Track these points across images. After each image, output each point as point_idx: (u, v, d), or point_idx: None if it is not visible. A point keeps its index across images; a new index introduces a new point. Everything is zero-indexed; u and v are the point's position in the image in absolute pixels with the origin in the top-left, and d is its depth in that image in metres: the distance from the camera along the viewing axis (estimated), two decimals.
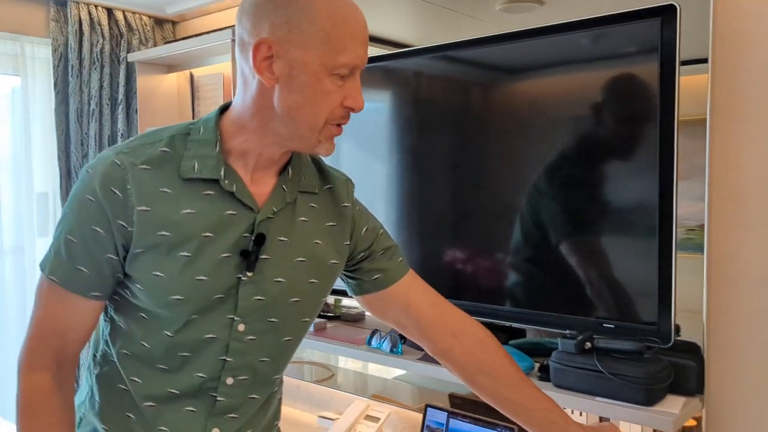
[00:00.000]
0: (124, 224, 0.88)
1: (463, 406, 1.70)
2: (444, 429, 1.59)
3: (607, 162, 1.32)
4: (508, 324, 1.54)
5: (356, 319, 1.88)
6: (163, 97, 2.46)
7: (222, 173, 0.92)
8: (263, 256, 0.95)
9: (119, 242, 0.89)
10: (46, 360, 0.92)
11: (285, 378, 2.13)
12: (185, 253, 0.90)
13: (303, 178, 1.01)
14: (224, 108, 0.97)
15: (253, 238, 0.93)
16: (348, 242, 1.05)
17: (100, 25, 2.39)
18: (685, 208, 1.29)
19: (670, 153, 1.23)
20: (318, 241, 1.00)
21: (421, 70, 1.60)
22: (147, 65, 2.42)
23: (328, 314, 1.92)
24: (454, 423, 1.58)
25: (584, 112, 1.34)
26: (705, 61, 1.26)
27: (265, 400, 1.02)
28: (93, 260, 0.90)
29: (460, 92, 1.54)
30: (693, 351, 1.29)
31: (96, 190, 0.88)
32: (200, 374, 0.94)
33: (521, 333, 1.57)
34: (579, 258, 1.36)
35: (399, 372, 1.89)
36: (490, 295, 1.49)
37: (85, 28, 2.35)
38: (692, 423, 1.32)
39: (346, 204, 1.05)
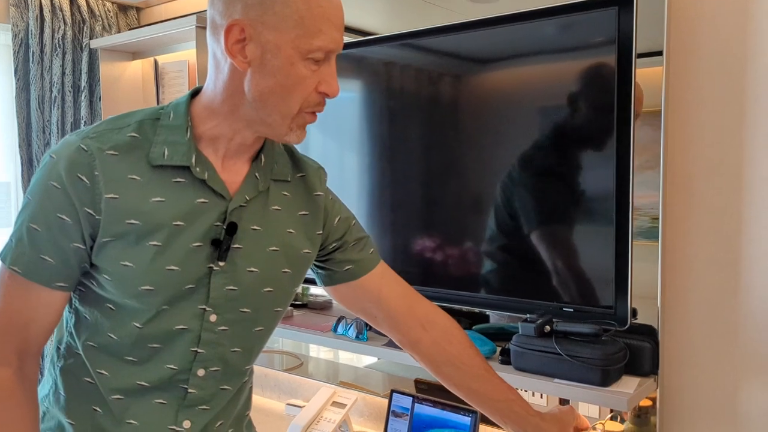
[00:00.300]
0: (91, 212, 0.86)
1: (428, 391, 1.72)
2: (409, 414, 1.61)
3: (567, 151, 1.34)
4: (473, 310, 1.57)
5: (323, 307, 1.89)
6: (127, 84, 2.42)
7: (193, 160, 0.90)
8: (235, 246, 0.93)
9: (86, 231, 0.87)
10: (7, 355, 0.88)
11: (254, 367, 2.13)
12: (155, 243, 0.88)
13: (276, 165, 0.99)
14: (195, 92, 0.95)
15: (224, 227, 0.91)
16: (320, 232, 1.04)
17: (61, 10, 2.34)
18: (649, 198, 1.32)
19: (627, 143, 1.25)
20: (291, 230, 0.99)
21: (386, 59, 1.61)
22: (110, 52, 2.38)
23: (296, 302, 1.93)
24: (419, 408, 1.60)
25: (544, 102, 1.36)
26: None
27: (237, 390, 1.01)
28: (58, 249, 0.87)
29: (426, 81, 1.55)
30: (649, 333, 1.33)
31: (62, 177, 0.85)
32: (171, 366, 0.92)
33: (485, 318, 1.60)
34: (540, 245, 1.39)
35: (370, 361, 1.91)
36: (457, 282, 1.51)
37: (47, 13, 2.30)
38: (648, 403, 1.36)
39: (318, 193, 1.04)
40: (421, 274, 1.57)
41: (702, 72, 1.27)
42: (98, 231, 0.87)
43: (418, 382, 1.76)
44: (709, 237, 1.28)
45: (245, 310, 0.96)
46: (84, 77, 2.40)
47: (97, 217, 0.86)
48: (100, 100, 2.41)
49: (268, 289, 0.98)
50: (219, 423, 0.99)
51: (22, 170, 2.35)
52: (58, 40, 2.34)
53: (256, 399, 2.12)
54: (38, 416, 0.91)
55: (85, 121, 2.40)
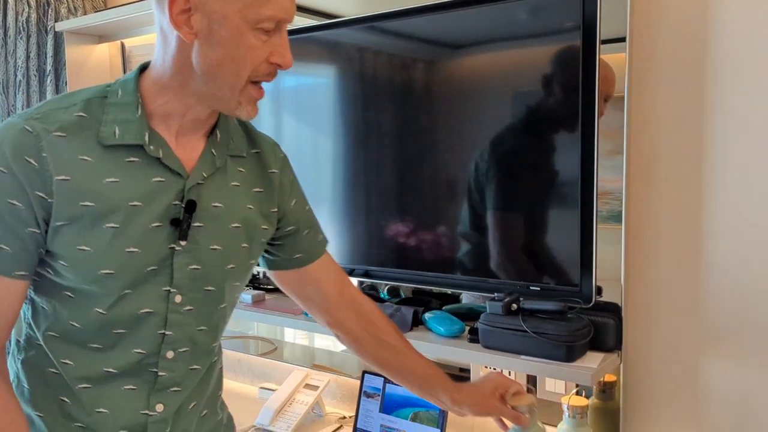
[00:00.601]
0: (43, 195, 0.83)
1: None
2: (380, 393, 1.64)
3: (534, 135, 1.36)
4: (444, 291, 1.59)
5: None
6: (93, 68, 2.38)
7: (146, 138, 0.87)
8: (196, 224, 0.91)
9: (40, 215, 0.83)
10: None
11: (226, 351, 2.13)
12: (112, 225, 0.85)
13: (231, 141, 0.97)
14: (143, 68, 0.92)
15: (183, 206, 0.89)
16: (275, 209, 1.03)
17: None
18: (619, 182, 1.34)
19: (591, 127, 1.28)
20: (250, 206, 0.98)
21: (357, 43, 1.61)
22: (76, 35, 2.33)
23: (269, 287, 1.93)
24: (390, 387, 1.62)
25: (510, 86, 1.38)
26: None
27: (207, 369, 1.01)
28: (14, 236, 0.83)
29: (396, 64, 1.55)
30: (614, 310, 1.36)
31: (8, 161, 0.81)
32: (138, 350, 0.91)
33: (455, 299, 1.62)
34: (508, 227, 1.41)
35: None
36: (429, 264, 1.53)
37: None
38: (612, 378, 1.40)
39: (273, 170, 1.02)
40: (394, 257, 1.59)
41: (664, 56, 1.29)
42: (51, 215, 0.84)
43: None
44: (670, 217, 1.31)
45: (210, 288, 0.95)
46: (49, 61, 2.36)
47: (49, 200, 0.83)
48: (66, 84, 2.37)
49: (231, 265, 0.97)
50: (192, 404, 0.99)
51: None
52: (22, 23, 2.29)
53: (230, 384, 2.12)
54: (19, 405, 0.88)
55: None
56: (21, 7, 2.29)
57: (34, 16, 2.31)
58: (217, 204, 0.94)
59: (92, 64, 2.38)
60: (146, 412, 0.93)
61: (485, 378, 1.13)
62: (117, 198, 0.85)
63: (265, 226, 1.01)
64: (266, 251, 1.08)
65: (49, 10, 2.35)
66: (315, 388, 1.79)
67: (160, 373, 0.93)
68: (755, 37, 1.20)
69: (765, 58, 1.20)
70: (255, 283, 1.97)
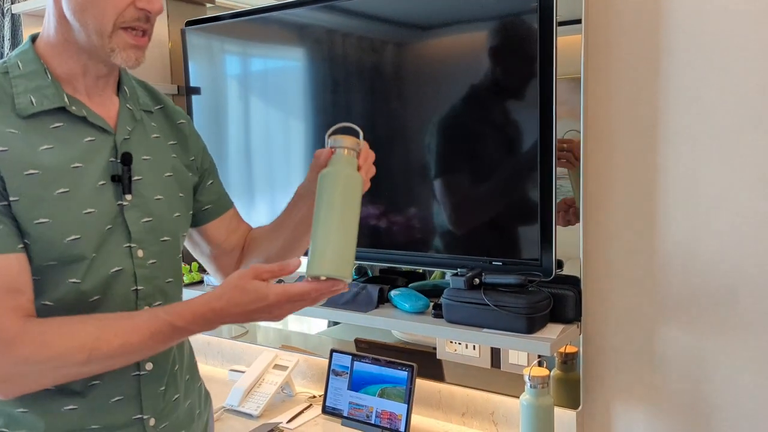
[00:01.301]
0: None
1: (368, 349, 1.77)
2: (349, 371, 1.65)
3: (494, 114, 1.38)
4: (414, 269, 1.61)
5: None
6: None
7: (66, 100, 0.88)
8: (136, 177, 0.93)
9: (0, 190, 0.82)
10: (18, 322, 0.81)
11: (196, 335, 2.13)
12: (63, 189, 0.86)
13: (139, 97, 1.00)
14: (34, 38, 0.92)
15: (119, 161, 0.92)
16: (192, 158, 1.07)
17: None
18: None
19: (549, 106, 1.30)
20: (174, 155, 1.02)
21: (320, 24, 1.60)
22: (34, 17, 2.28)
23: None
24: (358, 365, 1.64)
25: (472, 66, 1.39)
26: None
27: None
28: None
29: (362, 46, 1.56)
30: (574, 283, 1.39)
31: None
32: (117, 312, 0.92)
33: (422, 277, 1.64)
34: (470, 204, 1.43)
35: (320, 328, 1.93)
36: (396, 243, 1.54)
37: None
38: (574, 349, 1.44)
39: (181, 121, 1.06)
40: (362, 236, 1.59)
41: (619, 37, 1.32)
42: (6, 191, 0.83)
43: (358, 342, 1.80)
44: (627, 191, 1.34)
45: (165, 238, 0.98)
46: (7, 44, 2.31)
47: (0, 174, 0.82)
48: None
49: (177, 213, 1.00)
50: (176, 367, 1.01)
51: None
52: None
53: (200, 366, 2.12)
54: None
55: None
56: None
57: None
58: (146, 157, 0.96)
59: None
60: (137, 372, 0.94)
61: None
62: (57, 163, 0.86)
63: (190, 174, 1.05)
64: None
65: None
66: (284, 368, 1.80)
67: None
68: (708, 15, 1.23)
69: (717, 35, 1.23)
70: None
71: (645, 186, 1.32)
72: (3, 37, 2.31)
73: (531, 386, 1.34)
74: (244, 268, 0.91)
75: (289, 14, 1.63)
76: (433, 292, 1.54)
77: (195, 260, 1.91)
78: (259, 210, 1.75)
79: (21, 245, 0.84)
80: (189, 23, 1.85)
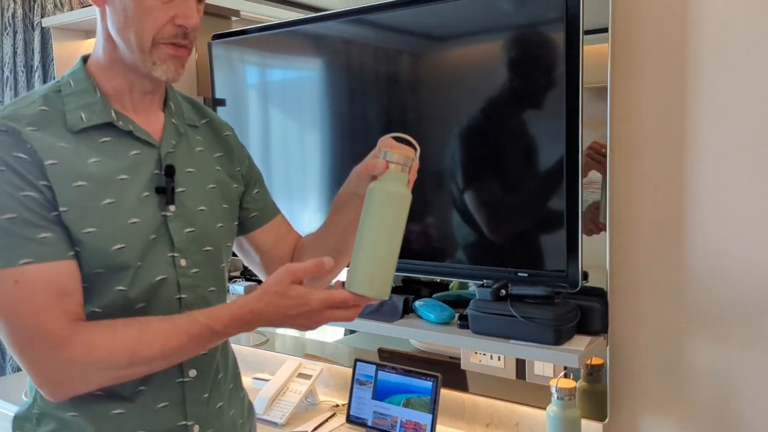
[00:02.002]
0: (45, 183, 0.85)
1: (391, 359, 1.77)
2: (373, 381, 1.66)
3: (520, 126, 1.39)
4: (434, 279, 1.62)
5: None
6: None
7: (113, 115, 0.92)
8: (179, 189, 0.96)
9: (51, 201, 0.85)
10: (70, 325, 0.83)
11: None
12: (109, 200, 0.89)
13: (184, 111, 1.03)
14: (86, 58, 0.97)
15: (163, 173, 0.94)
16: (239, 168, 1.09)
17: None
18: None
19: (575, 116, 1.30)
20: (218, 167, 1.05)
21: (343, 36, 1.62)
22: (63, 31, 2.33)
23: (260, 278, 1.95)
24: (383, 375, 1.65)
25: (496, 77, 1.40)
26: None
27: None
28: (49, 222, 0.84)
29: (383, 57, 1.57)
30: (600, 295, 1.39)
31: (3, 159, 0.83)
32: None
33: (445, 287, 1.65)
34: (496, 216, 1.44)
35: (337, 336, 1.95)
36: (419, 253, 1.55)
37: None
38: (600, 361, 1.44)
39: (227, 133, 1.09)
40: None
41: (646, 46, 1.32)
42: (56, 201, 0.85)
43: (381, 351, 1.81)
44: (653, 203, 1.34)
45: (208, 248, 1.00)
46: (37, 57, 2.36)
47: (49, 185, 0.85)
48: (53, 79, 2.37)
49: (220, 224, 1.02)
50: (220, 375, 1.03)
51: None
52: (8, 19, 2.28)
53: None
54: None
55: None
56: (7, 3, 2.28)
57: (20, 12, 2.31)
58: (190, 169, 0.99)
59: None
60: (181, 379, 0.96)
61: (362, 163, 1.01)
62: (105, 174, 0.89)
63: (235, 185, 1.07)
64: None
65: (36, 6, 2.35)
66: (308, 377, 1.82)
67: None
68: (736, 25, 1.23)
69: (745, 46, 1.23)
70: (247, 274, 1.99)
71: (672, 198, 1.32)
72: (33, 50, 2.36)
73: (558, 398, 1.34)
74: (278, 271, 0.89)
75: (316, 27, 1.65)
76: (458, 303, 1.54)
77: None
78: None
79: (71, 252, 0.86)
80: (216, 36, 1.88)
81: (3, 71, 2.30)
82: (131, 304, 0.92)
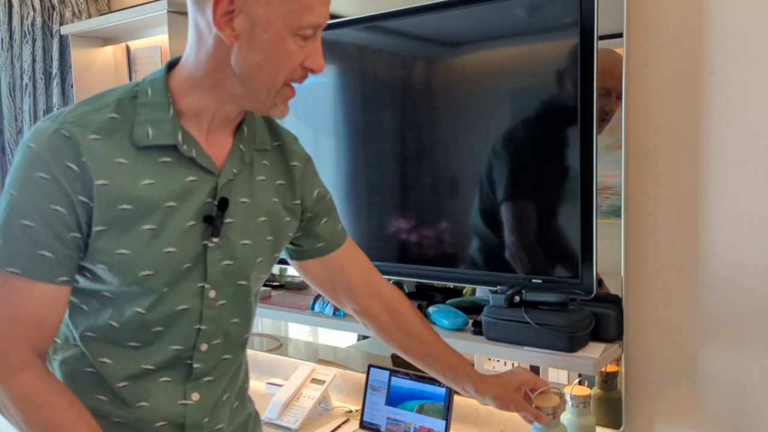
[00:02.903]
0: (85, 200, 0.82)
1: (404, 365, 1.77)
2: (386, 387, 1.66)
3: (534, 130, 1.39)
4: (447, 285, 1.62)
5: (300, 288, 1.93)
6: (99, 70, 2.41)
7: (179, 138, 0.87)
8: (228, 220, 0.92)
9: (82, 219, 0.83)
10: (28, 357, 0.83)
11: None
12: (150, 226, 0.85)
13: (257, 135, 0.98)
14: (171, 65, 0.91)
15: (216, 203, 0.90)
16: (297, 202, 1.03)
17: None
18: (618, 177, 1.35)
19: (589, 122, 1.30)
20: (275, 199, 0.99)
21: (358, 43, 1.63)
22: (81, 38, 2.36)
23: (273, 283, 1.96)
24: (396, 381, 1.65)
25: (509, 83, 1.40)
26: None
27: (237, 360, 1.01)
28: (58, 242, 0.82)
29: (397, 63, 1.58)
30: (614, 301, 1.38)
31: (49, 167, 0.81)
32: (175, 347, 0.92)
33: (458, 293, 1.65)
34: (509, 221, 1.44)
35: (349, 342, 1.95)
36: (431, 259, 1.56)
37: (15, 0, 2.28)
38: (614, 368, 1.43)
39: (294, 163, 1.03)
40: (396, 252, 1.61)
41: (660, 51, 1.32)
42: (92, 219, 0.83)
43: (394, 357, 1.81)
44: (669, 208, 1.34)
45: (242, 282, 0.96)
46: (55, 64, 2.39)
47: (90, 204, 0.83)
48: (72, 87, 2.40)
49: (260, 259, 0.98)
50: (226, 395, 1.00)
51: None
52: (28, 27, 2.32)
53: None
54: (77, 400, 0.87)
55: (57, 108, 2.39)
56: (26, 11, 2.32)
57: (39, 19, 2.34)
58: (245, 199, 0.94)
59: (98, 66, 2.41)
60: (183, 402, 0.94)
61: (512, 372, 1.15)
62: (153, 200, 0.86)
63: (288, 219, 1.02)
64: (290, 242, 1.09)
65: (54, 14, 2.38)
66: (321, 382, 1.82)
67: (194, 365, 0.94)
68: (750, 29, 1.23)
69: (760, 49, 1.22)
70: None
71: (688, 203, 1.31)
72: (52, 57, 2.40)
73: (573, 405, 1.33)
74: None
75: (331, 34, 1.67)
76: (471, 309, 1.54)
77: None
78: None
79: (65, 278, 0.85)
80: None
81: (22, 78, 2.33)
82: (148, 326, 0.90)
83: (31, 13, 2.32)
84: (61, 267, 0.84)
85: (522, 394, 1.13)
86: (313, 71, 0.87)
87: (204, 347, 0.94)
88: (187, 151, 0.88)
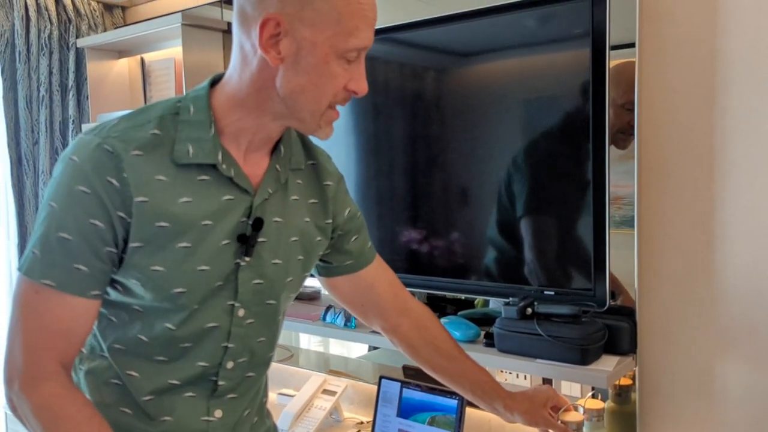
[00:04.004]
0: (123, 215, 0.83)
1: (416, 376, 1.76)
2: (398, 398, 1.65)
3: (545, 141, 1.39)
4: (458, 296, 1.61)
5: (312, 298, 1.93)
6: (114, 82, 2.44)
7: (219, 157, 0.87)
8: (260, 239, 0.92)
9: (120, 235, 0.83)
10: (53, 367, 0.84)
11: None
12: (185, 244, 0.86)
13: (293, 155, 0.97)
14: (214, 81, 0.91)
15: (250, 223, 0.90)
16: (329, 221, 1.03)
17: (47, 10, 2.35)
18: (630, 187, 1.35)
19: (602, 132, 1.30)
20: (307, 218, 0.99)
21: (370, 53, 1.64)
22: (97, 51, 2.39)
23: None
24: (407, 392, 1.64)
25: (520, 93, 1.40)
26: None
27: (260, 377, 1.02)
28: (94, 256, 0.83)
29: (408, 74, 1.59)
30: (628, 314, 1.37)
31: (90, 181, 0.81)
32: (202, 363, 0.92)
33: (469, 304, 1.64)
34: (521, 233, 1.43)
35: (360, 352, 1.95)
36: (443, 270, 1.55)
37: (32, 13, 2.32)
38: (628, 382, 1.41)
39: (328, 183, 1.03)
40: (407, 263, 1.61)
41: (673, 61, 1.31)
42: (129, 235, 0.84)
43: (406, 368, 1.80)
44: (683, 220, 1.32)
45: (271, 301, 0.96)
46: (71, 76, 2.42)
47: (128, 220, 0.83)
48: (87, 98, 2.43)
49: (290, 278, 0.98)
50: (247, 412, 1.00)
51: (11, 169, 2.37)
52: (45, 40, 2.35)
53: None
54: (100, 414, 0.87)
55: (73, 120, 2.42)
56: (43, 24, 2.36)
57: (56, 32, 2.38)
58: (278, 219, 0.94)
59: (113, 78, 2.44)
60: (206, 418, 0.94)
61: (537, 389, 1.17)
62: (190, 218, 0.86)
63: (319, 238, 1.02)
64: (320, 259, 1.08)
65: (71, 27, 2.42)
66: (333, 393, 1.82)
67: (219, 382, 0.94)
68: (764, 39, 1.22)
69: None
70: None
71: (702, 214, 1.30)
72: (68, 69, 2.43)
73: (586, 419, 1.32)
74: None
75: None
76: (483, 321, 1.53)
77: None
78: None
79: (96, 292, 0.85)
80: None
81: (39, 90, 2.36)
82: (177, 341, 0.90)
83: (48, 26, 2.36)
84: (94, 281, 0.84)
85: (548, 410, 1.14)
86: (356, 94, 0.87)
87: (230, 365, 0.94)
88: (225, 170, 0.88)
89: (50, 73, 2.38)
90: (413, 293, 1.71)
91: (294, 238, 0.97)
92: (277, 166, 0.94)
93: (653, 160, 1.35)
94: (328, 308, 1.68)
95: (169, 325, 0.89)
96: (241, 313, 0.93)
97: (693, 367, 1.34)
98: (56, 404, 0.83)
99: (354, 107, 1.68)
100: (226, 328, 0.92)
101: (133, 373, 0.91)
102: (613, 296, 1.38)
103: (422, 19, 1.54)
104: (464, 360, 1.13)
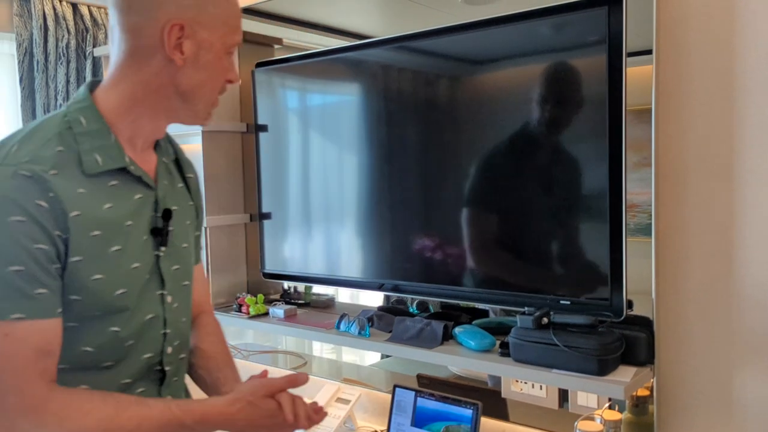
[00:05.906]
0: (60, 233, 0.85)
1: (430, 385, 1.76)
2: (412, 407, 1.65)
3: (562, 150, 1.38)
4: (472, 305, 1.60)
5: (326, 306, 1.93)
6: None
7: (127, 160, 0.93)
8: (170, 228, 1.00)
9: (61, 251, 0.86)
10: (44, 389, 0.84)
11: (252, 365, 2.17)
12: (117, 247, 0.91)
13: (167, 148, 1.07)
14: (91, 88, 0.95)
15: (159, 215, 0.98)
16: (191, 203, 1.12)
17: (65, 19, 2.38)
18: (648, 195, 1.34)
19: (618, 140, 1.29)
20: (190, 202, 1.10)
21: (383, 62, 1.64)
22: None
23: (299, 301, 1.96)
24: (422, 401, 1.63)
25: (537, 102, 1.40)
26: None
27: (188, 357, 1.09)
28: (49, 276, 0.85)
29: (422, 83, 1.58)
30: (645, 324, 1.36)
31: (22, 207, 0.82)
32: (147, 355, 0.98)
33: (484, 313, 1.63)
34: (539, 241, 1.42)
35: (373, 360, 1.94)
36: (457, 278, 1.55)
37: (50, 23, 2.35)
38: (645, 393, 1.39)
39: (190, 175, 1.12)
40: (421, 271, 1.61)
41: (691, 68, 1.30)
42: (68, 250, 0.86)
43: (420, 377, 1.79)
44: (701, 229, 1.31)
45: (186, 282, 1.05)
46: None
47: (65, 236, 0.85)
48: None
49: (193, 258, 1.09)
50: (184, 392, 1.09)
51: None
52: (62, 49, 2.38)
53: None
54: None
55: None
56: (61, 34, 2.38)
57: (73, 42, 2.40)
58: (175, 207, 1.03)
59: None
60: None
61: (241, 384, 1.05)
62: (116, 222, 0.92)
63: (194, 219, 1.13)
64: None
65: (88, 36, 2.44)
66: (347, 401, 1.81)
67: (165, 368, 1.01)
68: None
69: None
70: (287, 298, 2.00)
71: (721, 224, 1.29)
72: (85, 78, 2.45)
73: (604, 430, 1.30)
74: (254, 381, 0.98)
75: (357, 54, 1.68)
76: (498, 330, 1.52)
77: (262, 292, 1.96)
78: (315, 241, 1.79)
79: (59, 309, 0.87)
80: (259, 64, 1.92)
81: (56, 99, 2.39)
82: (122, 342, 0.94)
83: (66, 36, 2.38)
84: (56, 298, 0.87)
85: (263, 397, 1.00)
86: (232, 82, 0.99)
87: (170, 350, 1.01)
88: (135, 170, 0.95)
89: (67, 81, 2.40)
90: (427, 302, 1.72)
91: (188, 221, 1.08)
92: (164, 159, 1.03)
93: (670, 169, 1.34)
94: (342, 316, 1.68)
95: (115, 328, 0.93)
96: (169, 299, 1.00)
97: (711, 378, 1.32)
98: (70, 415, 0.85)
99: (366, 115, 1.68)
100: (161, 316, 0.99)
101: (85, 387, 0.92)
102: (630, 306, 1.36)
103: (436, 27, 1.54)
104: (219, 360, 1.12)
